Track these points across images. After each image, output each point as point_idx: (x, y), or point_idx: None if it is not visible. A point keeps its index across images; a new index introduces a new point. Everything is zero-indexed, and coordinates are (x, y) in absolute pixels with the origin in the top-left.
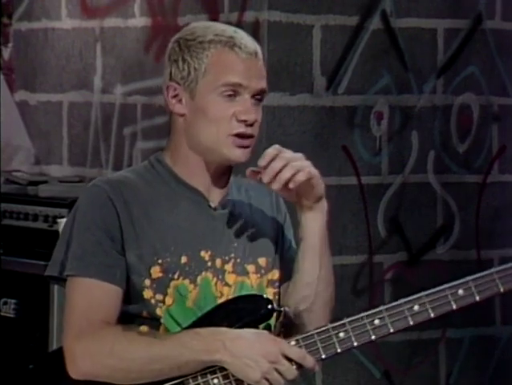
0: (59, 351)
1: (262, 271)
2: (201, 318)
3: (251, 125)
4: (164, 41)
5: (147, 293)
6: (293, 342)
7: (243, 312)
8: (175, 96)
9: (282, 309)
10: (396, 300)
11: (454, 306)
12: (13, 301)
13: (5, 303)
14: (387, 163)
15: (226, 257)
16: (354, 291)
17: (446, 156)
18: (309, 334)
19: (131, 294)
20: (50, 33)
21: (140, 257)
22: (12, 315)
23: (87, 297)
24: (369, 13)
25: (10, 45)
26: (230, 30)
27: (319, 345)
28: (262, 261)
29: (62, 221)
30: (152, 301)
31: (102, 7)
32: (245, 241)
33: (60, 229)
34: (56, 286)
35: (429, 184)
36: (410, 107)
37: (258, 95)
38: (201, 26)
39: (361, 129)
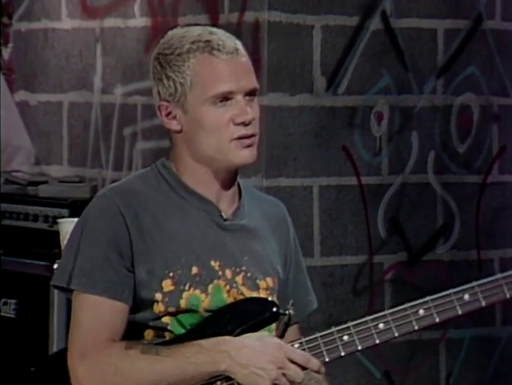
0: (60, 354)
1: (269, 291)
2: (207, 318)
3: (250, 124)
4: None
5: (156, 308)
6: (296, 345)
7: (248, 314)
8: (168, 114)
9: (286, 312)
10: (397, 300)
11: (460, 311)
12: (13, 301)
13: (5, 303)
14: (387, 163)
15: (237, 269)
16: (354, 291)
17: (446, 156)
18: (313, 337)
19: (138, 306)
20: (50, 33)
21: (151, 272)
22: (12, 315)
23: (94, 315)
24: (369, 13)
25: (10, 45)
26: (206, 32)
27: (323, 348)
28: (269, 280)
29: (63, 221)
30: (161, 314)
31: (102, 7)
32: (256, 256)
33: (60, 230)
34: (56, 290)
35: (429, 184)
36: (410, 107)
37: (251, 94)
38: (177, 35)
39: (361, 129)
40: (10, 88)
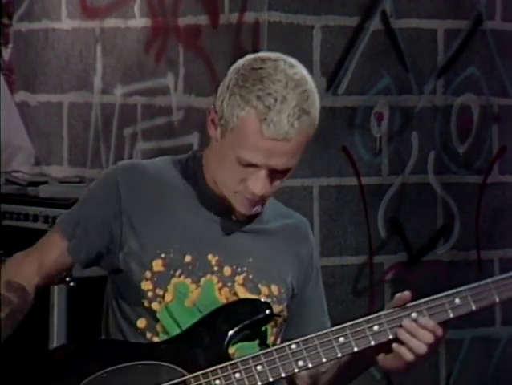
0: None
1: (274, 299)
2: (201, 319)
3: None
4: (164, 42)
5: (145, 285)
6: (293, 346)
7: (242, 315)
8: (213, 120)
9: (280, 314)
10: None
11: (451, 315)
12: None
13: None
14: (387, 163)
15: (238, 269)
16: (354, 292)
17: (446, 156)
18: (308, 337)
19: (128, 278)
20: (51, 33)
21: (144, 247)
22: None
23: (44, 244)
24: (369, 13)
25: (11, 45)
26: (279, 93)
27: (319, 349)
28: (274, 288)
29: None
30: (150, 294)
31: (102, 8)
32: (263, 261)
33: None
34: (56, 287)
35: (429, 184)
36: (410, 107)
37: (281, 172)
38: (263, 72)
39: (361, 130)
40: (10, 89)
